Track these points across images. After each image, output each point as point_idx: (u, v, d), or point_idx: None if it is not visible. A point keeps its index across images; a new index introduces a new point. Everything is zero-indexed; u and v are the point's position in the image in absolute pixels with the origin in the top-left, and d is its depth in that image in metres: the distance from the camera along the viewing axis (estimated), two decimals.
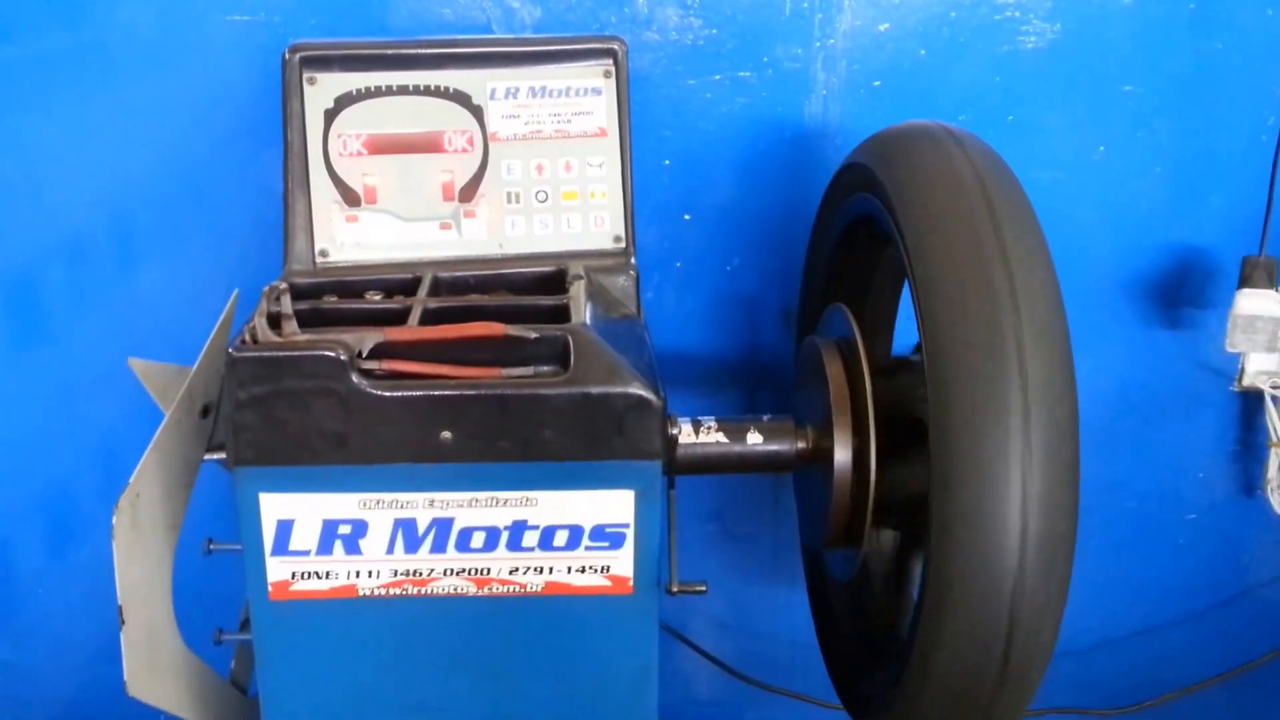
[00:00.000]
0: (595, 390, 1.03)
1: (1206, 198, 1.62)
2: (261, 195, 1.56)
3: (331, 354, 1.01)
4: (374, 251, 1.29)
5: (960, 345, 0.95)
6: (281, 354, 1.02)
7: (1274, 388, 1.61)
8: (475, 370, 1.05)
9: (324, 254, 1.28)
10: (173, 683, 1.17)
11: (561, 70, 1.32)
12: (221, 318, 1.22)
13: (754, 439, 1.20)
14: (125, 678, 1.07)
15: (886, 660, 1.24)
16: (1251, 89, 1.57)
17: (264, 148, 1.54)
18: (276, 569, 1.09)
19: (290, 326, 1.04)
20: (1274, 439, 1.62)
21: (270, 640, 1.12)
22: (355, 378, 1.02)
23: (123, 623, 1.06)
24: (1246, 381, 1.66)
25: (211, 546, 1.28)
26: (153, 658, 1.13)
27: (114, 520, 1.04)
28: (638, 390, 1.04)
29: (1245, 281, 1.45)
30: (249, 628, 1.29)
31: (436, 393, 1.03)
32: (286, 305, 1.05)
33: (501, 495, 1.07)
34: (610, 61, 1.33)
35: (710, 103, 1.56)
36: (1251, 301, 1.41)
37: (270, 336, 1.03)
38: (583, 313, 1.12)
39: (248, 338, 1.04)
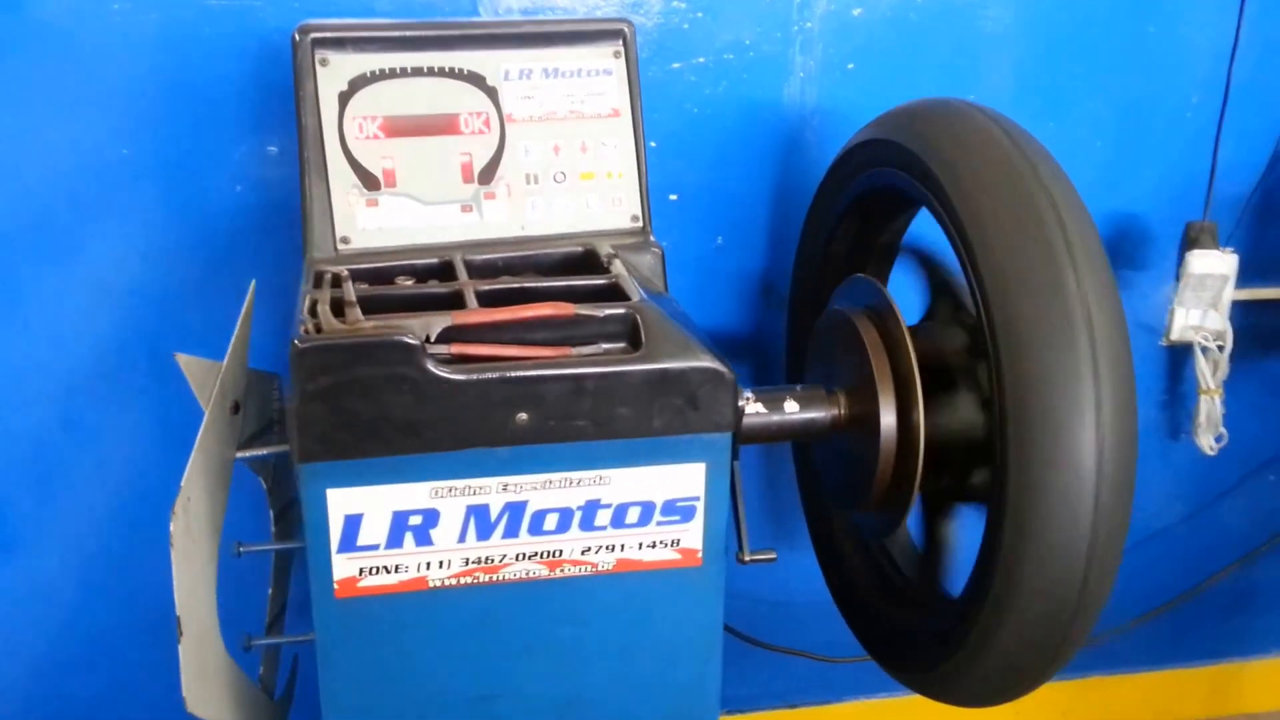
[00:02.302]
0: (672, 366, 0.98)
1: (1141, 170, 1.68)
2: (242, 183, 1.44)
3: (406, 339, 0.93)
4: (396, 236, 1.20)
5: (1026, 296, 0.94)
6: (352, 341, 0.93)
7: (1204, 340, 1.69)
8: (548, 350, 0.99)
9: (345, 240, 1.18)
10: (219, 694, 1.06)
11: (573, 52, 1.26)
12: (243, 310, 1.12)
13: (791, 407, 1.18)
14: (184, 694, 0.97)
15: (913, 607, 1.24)
16: (1177, 70, 1.63)
17: (245, 134, 1.42)
18: (343, 566, 1.00)
19: (354, 313, 0.95)
20: (1204, 387, 1.70)
21: (335, 640, 1.03)
22: (430, 363, 0.94)
23: (181, 636, 0.96)
24: (1174, 336, 1.73)
25: (240, 549, 1.17)
26: (204, 670, 1.02)
27: (171, 528, 0.94)
28: (711, 364, 0.99)
29: (1193, 244, 1.51)
30: (277, 629, 1.20)
31: (512, 374, 0.96)
32: (350, 291, 0.96)
33: (575, 475, 1.01)
34: (620, 43, 1.28)
35: (694, 85, 1.52)
36: (1202, 261, 1.47)
37: (335, 324, 0.94)
38: (638, 290, 1.07)
39: (310, 327, 0.95)
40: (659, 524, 1.04)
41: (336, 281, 0.96)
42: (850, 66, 1.55)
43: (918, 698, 1.92)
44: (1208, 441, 1.72)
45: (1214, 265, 1.45)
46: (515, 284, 1.08)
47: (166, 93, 1.39)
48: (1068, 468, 0.92)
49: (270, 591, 1.27)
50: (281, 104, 1.41)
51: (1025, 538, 0.94)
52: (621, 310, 1.01)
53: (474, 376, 0.95)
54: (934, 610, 1.17)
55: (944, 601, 1.17)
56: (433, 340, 0.96)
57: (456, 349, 0.97)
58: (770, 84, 1.54)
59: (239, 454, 1.10)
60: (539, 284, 1.08)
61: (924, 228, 1.34)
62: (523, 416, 0.97)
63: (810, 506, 1.49)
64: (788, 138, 1.58)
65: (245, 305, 1.13)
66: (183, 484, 0.95)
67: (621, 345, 1.02)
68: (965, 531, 1.27)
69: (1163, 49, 1.61)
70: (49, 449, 1.50)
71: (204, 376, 1.04)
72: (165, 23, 1.36)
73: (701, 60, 1.51)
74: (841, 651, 1.78)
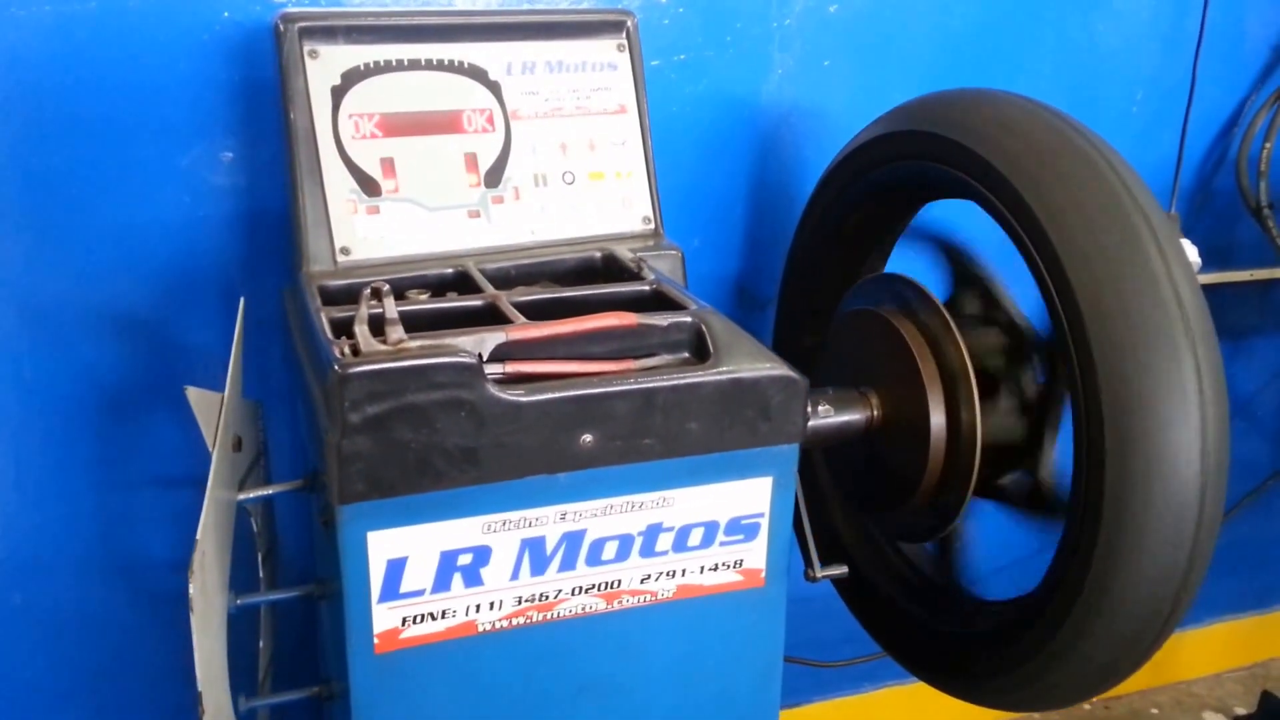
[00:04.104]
0: (745, 375, 0.89)
1: None
2: (191, 193, 1.26)
3: (464, 359, 0.80)
4: (401, 246, 1.06)
5: (1119, 292, 0.89)
6: (404, 364, 0.79)
7: None
8: (610, 365, 0.88)
9: (345, 251, 1.04)
10: None
11: (576, 45, 1.15)
12: (236, 335, 0.96)
13: (825, 410, 1.10)
14: None
15: (952, 612, 1.18)
16: (1123, 67, 1.64)
17: (194, 139, 1.24)
18: (384, 617, 0.86)
19: (397, 332, 0.82)
20: None
21: (374, 699, 0.88)
22: (489, 385, 0.82)
23: (202, 714, 0.80)
24: None
25: (238, 601, 1.01)
26: None
27: (190, 590, 0.78)
28: (785, 371, 0.90)
29: None
30: (269, 685, 1.05)
31: (579, 393, 0.84)
32: (391, 308, 0.82)
33: (638, 498, 0.90)
34: (623, 35, 1.18)
35: (674, 83, 1.43)
36: None
37: (376, 346, 0.81)
38: (691, 296, 0.97)
39: (347, 350, 0.81)
40: (722, 544, 0.95)
41: (375, 295, 0.82)
42: (826, 63, 1.49)
43: (880, 693, 1.91)
44: None
45: (1190, 255, 1.45)
46: (551, 294, 0.96)
47: (102, 92, 1.20)
48: (1175, 479, 0.86)
49: (261, 644, 1.11)
50: (238, 103, 1.24)
51: (1126, 549, 0.89)
52: (687, 318, 0.91)
53: (538, 397, 0.83)
54: (988, 616, 1.11)
55: (999, 607, 1.11)
56: (486, 359, 0.84)
57: (512, 367, 0.85)
58: (749, 81, 1.46)
59: (240, 496, 0.94)
60: (577, 294, 0.97)
61: (940, 218, 1.29)
62: (588, 438, 0.86)
63: (810, 512, 1.41)
64: (767, 137, 1.50)
65: (237, 331, 0.97)
66: (198, 536, 0.80)
67: (683, 356, 0.91)
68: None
69: (1110, 46, 1.62)
70: None
71: (208, 410, 0.89)
72: (101, 13, 1.17)
73: (682, 57, 1.42)
74: (809, 652, 1.72)
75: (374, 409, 0.79)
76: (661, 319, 0.90)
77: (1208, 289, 1.74)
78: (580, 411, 0.85)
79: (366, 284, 0.97)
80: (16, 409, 1.28)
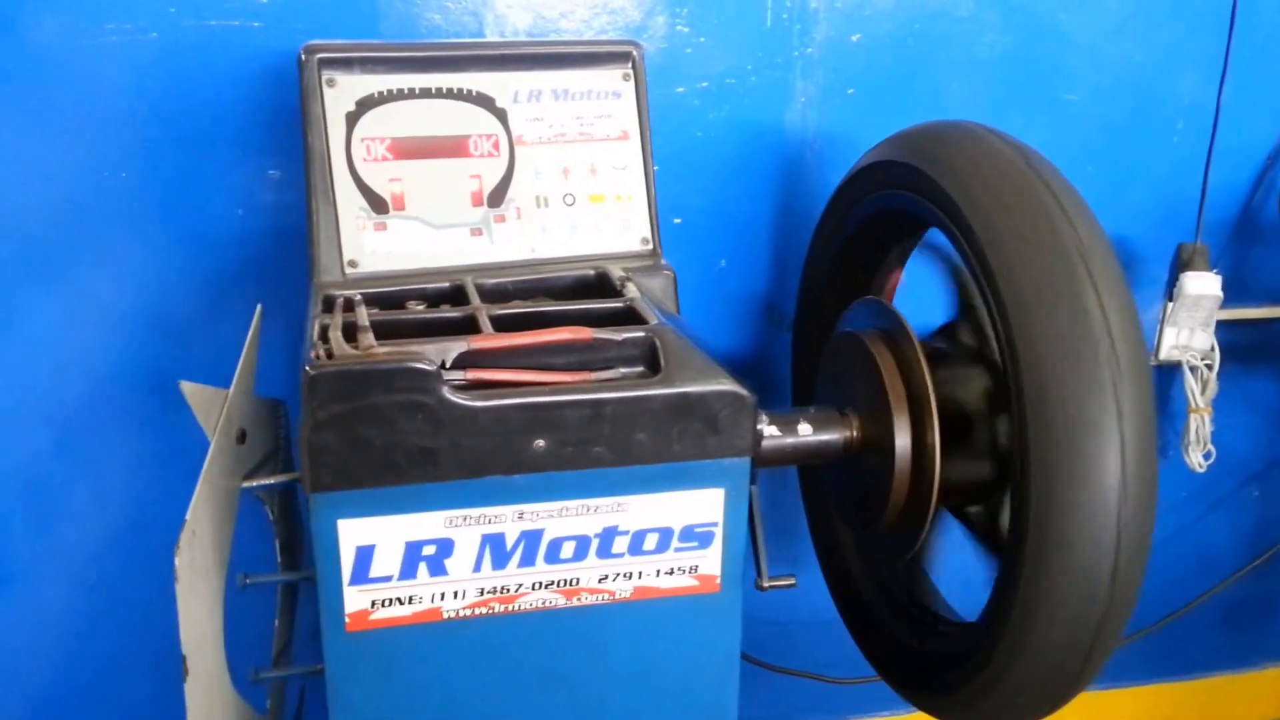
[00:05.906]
0: (692, 390, 0.92)
1: (1128, 193, 1.64)
2: (243, 207, 1.37)
3: (422, 365, 0.86)
4: (405, 260, 1.13)
5: (1049, 319, 0.90)
6: (367, 368, 0.86)
7: (1192, 359, 1.65)
8: (566, 375, 0.92)
9: (353, 264, 1.11)
10: None
11: (582, 74, 1.20)
12: (249, 336, 1.05)
13: (804, 430, 1.11)
14: None
15: (922, 629, 1.18)
16: (1163, 96, 1.60)
17: (246, 158, 1.35)
18: (355, 599, 0.93)
19: (367, 339, 0.88)
20: (1193, 405, 1.66)
21: (346, 674, 0.95)
22: (446, 390, 0.87)
23: (187, 675, 0.88)
24: (1162, 355, 1.69)
25: (246, 581, 1.09)
26: (210, 710, 0.94)
27: (176, 562, 0.86)
28: (732, 387, 0.93)
29: (1186, 265, 1.46)
30: (284, 661, 1.13)
31: (530, 400, 0.89)
32: (363, 316, 0.89)
33: (593, 503, 0.94)
34: (629, 65, 1.22)
35: (698, 109, 1.47)
36: (1196, 283, 1.42)
37: (347, 350, 0.87)
38: (654, 314, 1.01)
39: (321, 353, 0.88)
40: (677, 550, 0.98)
41: (349, 306, 0.89)
42: (850, 91, 1.50)
43: (916, 717, 1.89)
44: (1196, 459, 1.68)
45: (1209, 287, 1.41)
46: (529, 308, 1.02)
47: (165, 114, 1.32)
48: (1091, 501, 0.87)
49: (276, 623, 1.19)
50: (283, 126, 1.34)
51: (1046, 572, 0.89)
52: (640, 334, 0.95)
53: (491, 403, 0.88)
54: (946, 633, 1.11)
55: (957, 625, 1.11)
56: (448, 366, 0.90)
57: (473, 374, 0.90)
58: (772, 108, 1.49)
59: (245, 483, 1.02)
60: (553, 308, 1.02)
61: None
62: (540, 443, 0.90)
63: (816, 526, 1.43)
64: (790, 161, 1.52)
65: (251, 331, 1.06)
66: (187, 516, 0.88)
67: (639, 370, 0.95)
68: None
69: (1148, 75, 1.58)
70: (48, 479, 1.42)
71: (209, 405, 0.97)
72: (164, 43, 1.29)
73: (704, 85, 1.46)
74: (838, 671, 1.72)
75: (339, 407, 0.86)
76: (617, 334, 0.94)
77: (1250, 324, 1.69)
78: (532, 418, 0.89)
79: (368, 294, 1.04)
80: (87, 410, 1.40)
